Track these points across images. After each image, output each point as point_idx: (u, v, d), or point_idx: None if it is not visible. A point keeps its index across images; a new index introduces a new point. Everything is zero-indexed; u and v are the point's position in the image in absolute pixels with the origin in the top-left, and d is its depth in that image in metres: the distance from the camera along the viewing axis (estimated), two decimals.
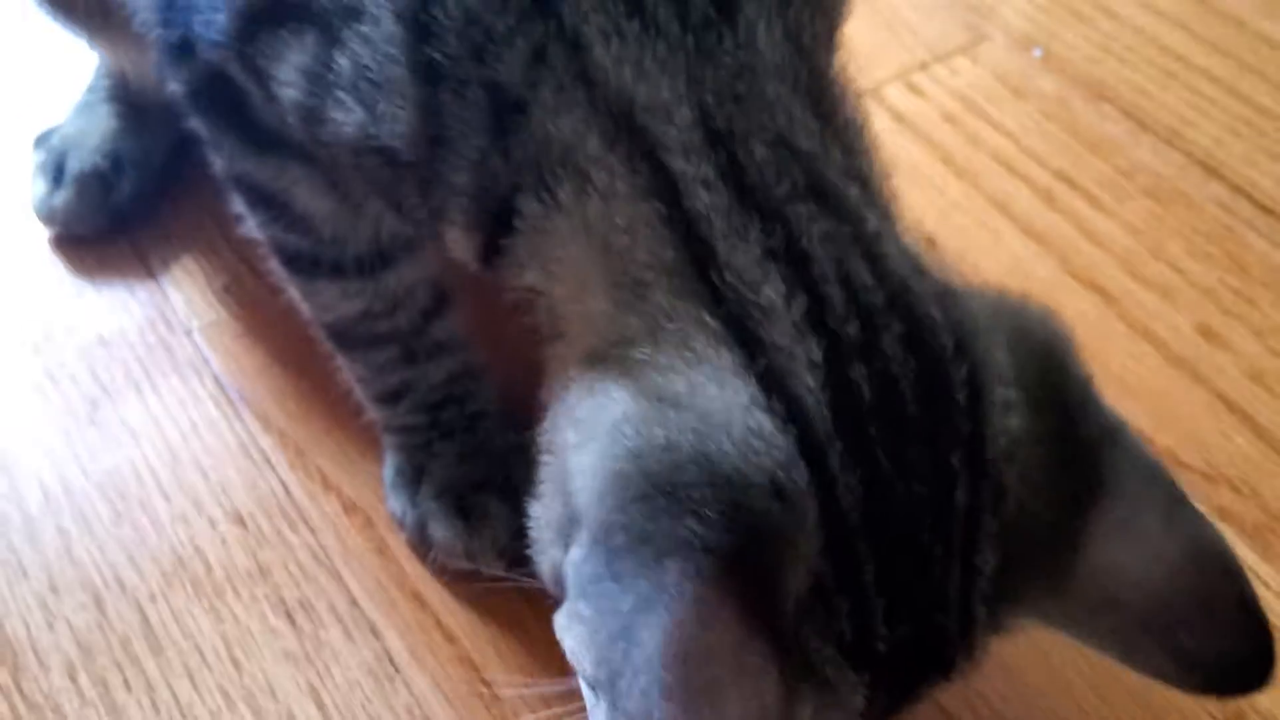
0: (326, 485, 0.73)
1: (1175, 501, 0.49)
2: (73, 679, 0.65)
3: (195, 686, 0.65)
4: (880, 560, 0.46)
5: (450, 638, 0.67)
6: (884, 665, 0.46)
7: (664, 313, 0.48)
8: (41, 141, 0.86)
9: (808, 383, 0.46)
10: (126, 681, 0.65)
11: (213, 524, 0.71)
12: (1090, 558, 0.48)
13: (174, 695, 0.65)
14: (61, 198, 0.83)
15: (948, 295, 0.50)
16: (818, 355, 0.46)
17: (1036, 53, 0.98)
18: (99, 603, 0.68)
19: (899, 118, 0.93)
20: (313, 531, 0.71)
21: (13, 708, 0.64)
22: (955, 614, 0.48)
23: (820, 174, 0.50)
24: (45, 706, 0.64)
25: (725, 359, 0.46)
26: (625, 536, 0.43)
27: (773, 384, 0.46)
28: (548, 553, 0.50)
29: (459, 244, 0.54)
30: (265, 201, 0.62)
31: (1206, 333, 0.81)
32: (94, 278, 0.83)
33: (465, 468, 0.69)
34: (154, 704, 0.64)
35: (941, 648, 0.48)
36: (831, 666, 0.45)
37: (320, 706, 0.64)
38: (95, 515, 0.71)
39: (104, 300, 0.82)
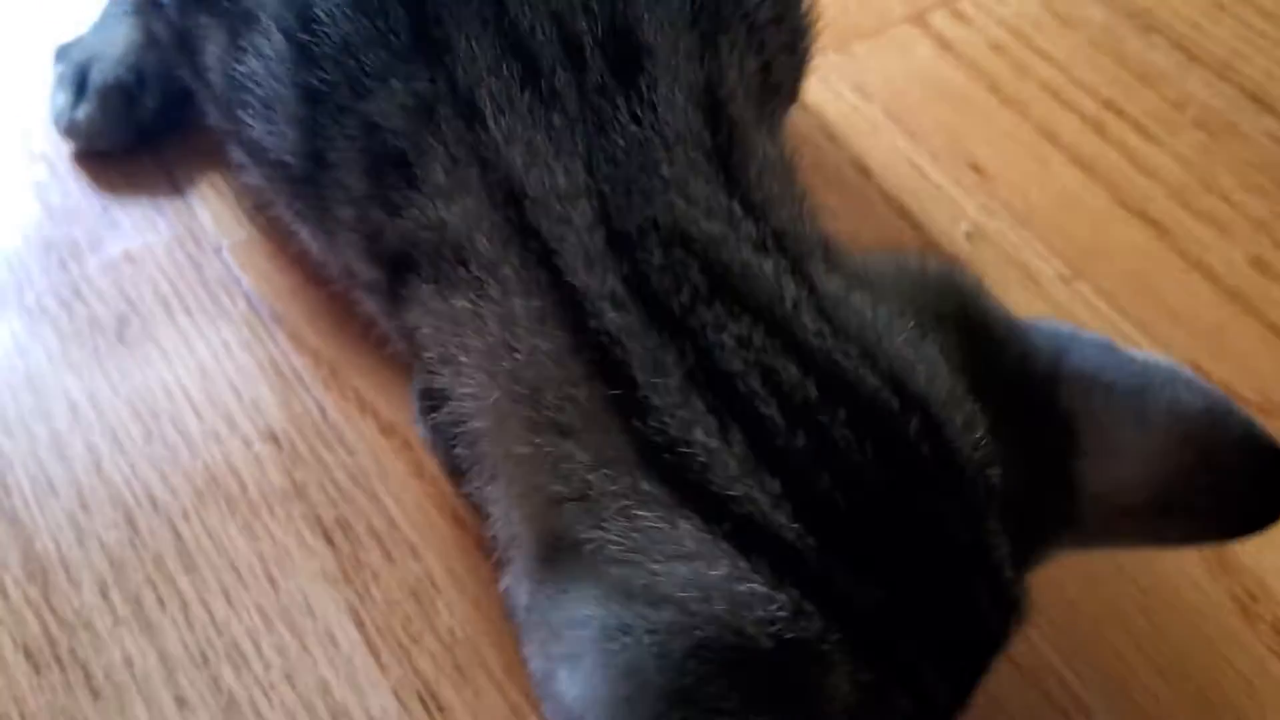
0: (362, 406, 0.71)
1: (1140, 391, 0.47)
2: (104, 596, 0.64)
3: (231, 604, 0.63)
4: (920, 640, 0.44)
5: (491, 559, 0.65)
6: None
7: (594, 481, 0.43)
8: (63, 54, 0.84)
9: (778, 522, 0.42)
10: (160, 599, 0.63)
11: (246, 443, 0.69)
12: (1086, 491, 0.48)
13: (209, 613, 0.63)
14: (84, 111, 0.81)
15: (869, 331, 0.46)
16: (776, 488, 0.42)
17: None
18: (130, 520, 0.66)
19: (945, 45, 0.90)
20: (349, 452, 0.69)
21: (44, 624, 0.63)
22: (992, 618, 0.48)
23: (725, 265, 0.45)
24: (77, 623, 0.63)
25: (683, 530, 0.42)
26: None
27: (745, 541, 0.42)
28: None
29: (363, 274, 0.52)
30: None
31: (1260, 265, 0.79)
32: (119, 194, 0.81)
33: None
34: (189, 621, 0.63)
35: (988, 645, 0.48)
36: None
37: (360, 626, 0.63)
38: (125, 433, 0.70)
39: (130, 217, 0.79)
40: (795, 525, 0.42)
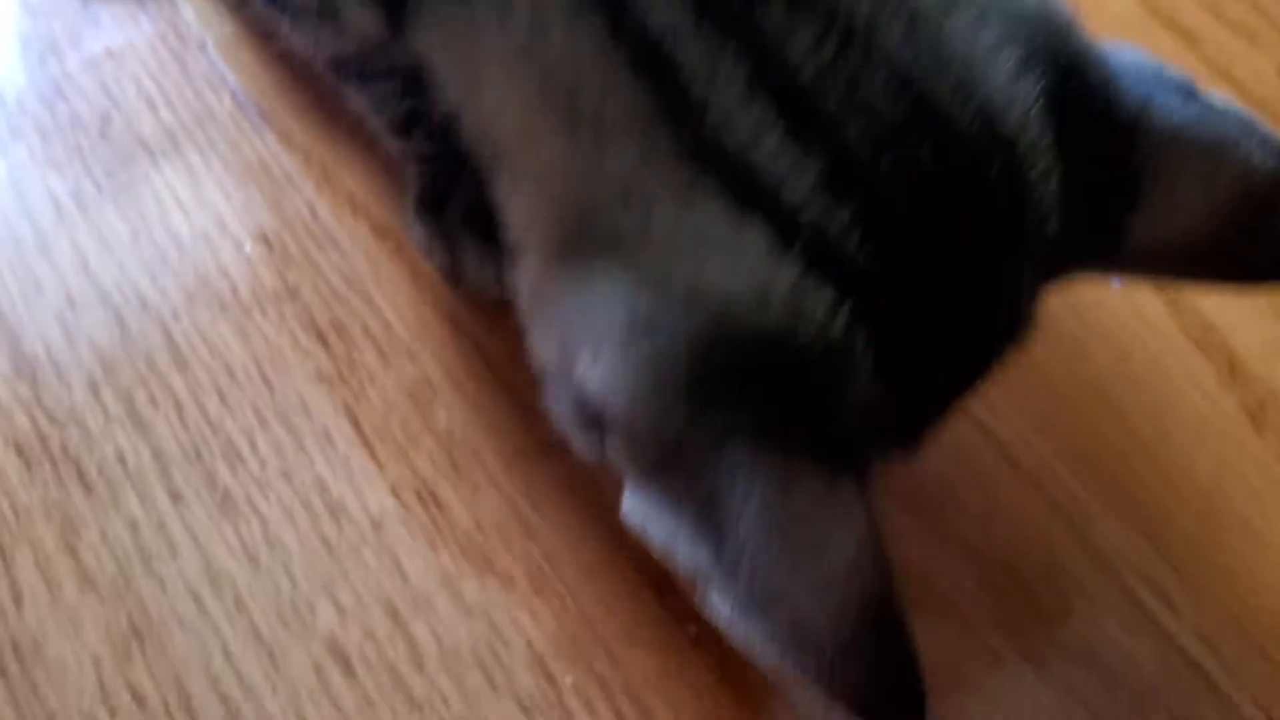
0: (355, 208, 0.69)
1: (1215, 149, 0.45)
2: (95, 394, 0.63)
3: (226, 404, 0.62)
4: (940, 362, 0.43)
5: (489, 362, 0.64)
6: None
7: (642, 179, 0.41)
8: None
9: (846, 242, 0.40)
10: (153, 397, 0.62)
11: (237, 244, 0.67)
12: (1135, 236, 0.46)
13: (203, 412, 0.62)
14: None
15: (966, 60, 0.42)
16: (848, 211, 0.40)
17: None
18: (120, 320, 0.65)
19: None
20: (342, 254, 0.67)
21: (34, 422, 0.62)
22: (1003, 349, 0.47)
23: None
24: (68, 421, 0.62)
25: (746, 233, 0.40)
26: (674, 441, 0.40)
27: (810, 254, 0.40)
28: (577, 433, 0.46)
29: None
30: None
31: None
32: None
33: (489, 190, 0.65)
34: (183, 420, 0.62)
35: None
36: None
37: (357, 426, 0.62)
38: (112, 232, 0.68)
39: (111, 13, 0.76)
40: (863, 246, 0.40)
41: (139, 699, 0.55)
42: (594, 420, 0.43)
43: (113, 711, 0.55)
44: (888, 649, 0.41)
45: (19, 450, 0.61)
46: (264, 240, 0.67)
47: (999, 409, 0.64)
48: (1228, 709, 0.56)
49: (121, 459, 0.61)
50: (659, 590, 0.58)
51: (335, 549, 0.59)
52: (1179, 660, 0.57)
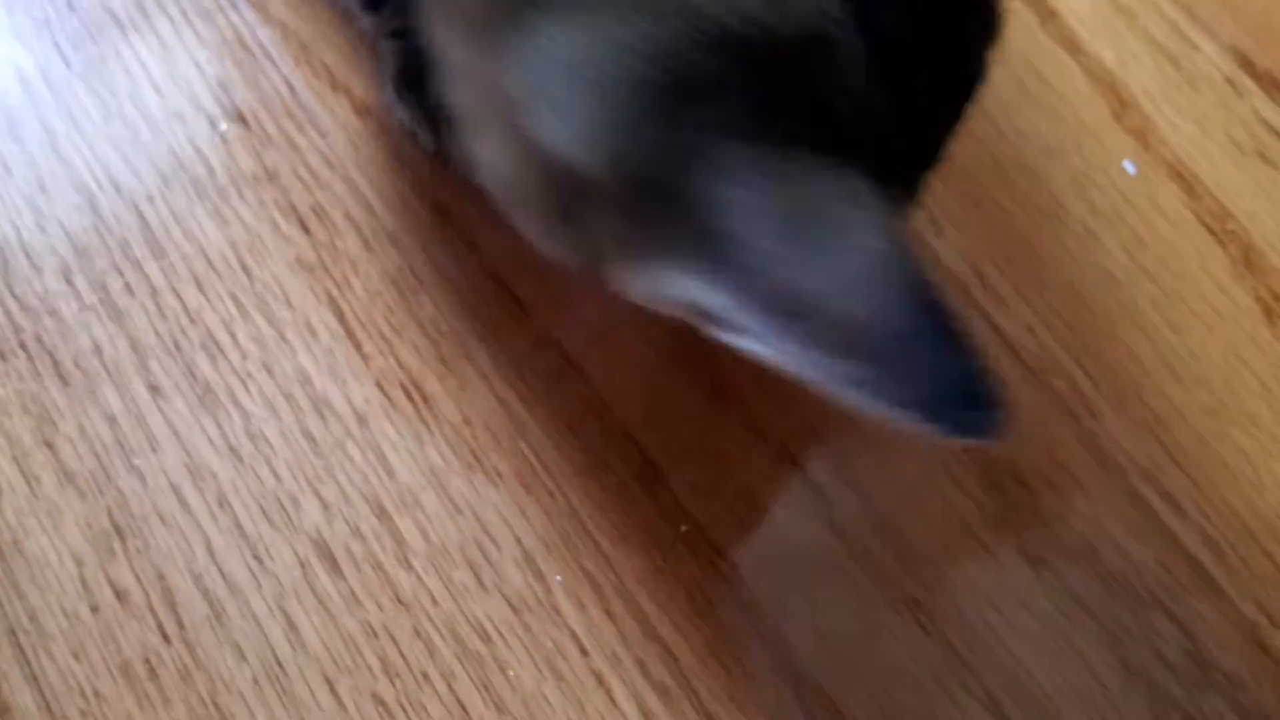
0: (335, 85, 0.65)
1: None
2: (69, 282, 0.60)
3: (203, 292, 0.60)
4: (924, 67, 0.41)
5: (477, 251, 0.62)
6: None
7: None
8: None
9: None
10: (128, 285, 0.60)
11: (212, 123, 0.64)
12: None
13: (181, 300, 0.60)
14: None
15: None
16: None
17: None
18: (93, 204, 0.62)
19: None
20: (322, 135, 0.64)
21: (6, 311, 0.60)
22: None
23: None
24: (41, 309, 0.60)
25: None
26: (658, 168, 0.37)
27: None
28: (554, 235, 0.44)
29: None
30: None
31: None
32: None
33: None
34: (159, 308, 0.60)
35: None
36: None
37: (340, 317, 0.60)
38: (82, 110, 0.64)
39: None
40: None
41: (121, 596, 0.54)
42: (572, 205, 0.41)
43: (95, 609, 0.54)
44: (945, 336, 0.37)
45: None
46: (240, 119, 0.64)
47: (1005, 300, 0.62)
48: (1228, 610, 0.56)
49: (98, 350, 0.59)
50: (651, 488, 0.57)
51: (320, 444, 0.57)
52: (1181, 561, 0.56)
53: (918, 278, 0.37)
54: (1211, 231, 0.64)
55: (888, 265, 0.37)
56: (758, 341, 0.38)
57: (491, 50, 0.42)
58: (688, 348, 0.60)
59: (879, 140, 0.40)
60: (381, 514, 0.56)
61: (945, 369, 0.37)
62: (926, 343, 0.36)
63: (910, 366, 0.36)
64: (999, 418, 0.36)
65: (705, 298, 0.38)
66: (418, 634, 0.54)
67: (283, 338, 0.59)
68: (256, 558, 0.55)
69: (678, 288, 0.39)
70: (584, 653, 0.53)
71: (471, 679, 0.53)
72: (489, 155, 0.46)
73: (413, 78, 0.62)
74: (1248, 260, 0.63)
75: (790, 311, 0.37)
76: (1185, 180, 0.65)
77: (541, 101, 0.39)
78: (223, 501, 0.56)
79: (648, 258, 0.39)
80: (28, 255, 0.61)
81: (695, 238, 0.38)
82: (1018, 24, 0.68)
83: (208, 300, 0.60)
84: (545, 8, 0.39)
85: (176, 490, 0.56)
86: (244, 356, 0.59)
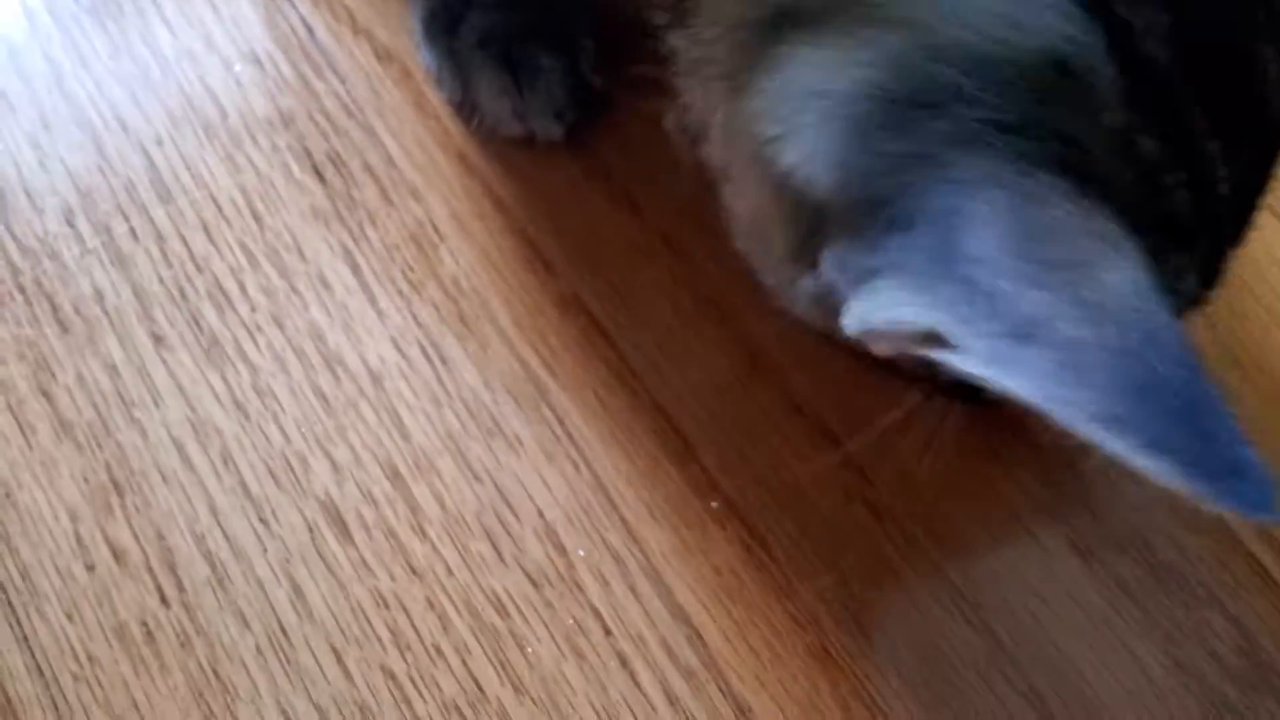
0: (355, 28, 0.62)
1: None
2: (71, 224, 0.57)
3: (211, 239, 0.57)
4: (1206, 105, 0.37)
5: (501, 207, 0.59)
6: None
7: None
8: None
9: None
10: (133, 230, 0.57)
11: (225, 64, 0.61)
12: None
13: (188, 247, 0.57)
14: None
15: None
16: None
17: None
18: (98, 143, 0.59)
19: None
20: (341, 80, 0.61)
21: (3, 250, 0.57)
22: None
23: None
24: (41, 252, 0.57)
25: None
26: (900, 169, 0.36)
27: None
28: (797, 287, 0.42)
29: None
30: None
31: None
32: None
33: (511, 13, 0.58)
34: (164, 255, 0.57)
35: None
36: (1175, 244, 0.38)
37: (355, 270, 0.57)
38: (89, 45, 0.61)
39: None
40: None
41: (119, 555, 0.51)
42: (808, 239, 0.39)
43: (90, 567, 0.51)
44: (1196, 393, 0.33)
45: None
46: (255, 61, 0.61)
47: None
48: None
49: (99, 296, 0.56)
50: (681, 461, 0.54)
51: (331, 402, 0.54)
52: (1237, 556, 0.53)
53: (1165, 329, 0.34)
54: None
55: (1129, 306, 0.34)
56: (987, 365, 0.35)
57: (743, 97, 0.40)
58: (722, 314, 0.57)
59: (1148, 193, 0.37)
60: (395, 478, 0.53)
61: (1219, 427, 0.33)
62: (1168, 404, 0.33)
63: (1143, 424, 0.33)
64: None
65: (933, 317, 0.35)
66: (431, 605, 0.51)
67: (294, 290, 0.56)
68: (262, 520, 0.52)
69: (907, 310, 0.36)
70: (607, 632, 0.50)
71: (487, 655, 0.50)
72: (743, 208, 0.44)
73: (448, 21, 0.59)
74: None
75: (1017, 331, 0.33)
76: None
77: (783, 130, 0.38)
78: (227, 459, 0.53)
79: (877, 279, 0.36)
80: (28, 195, 0.58)
81: (927, 254, 0.35)
82: None
83: (216, 248, 0.57)
84: (787, 40, 0.39)
85: (179, 446, 0.53)
86: (253, 308, 0.56)
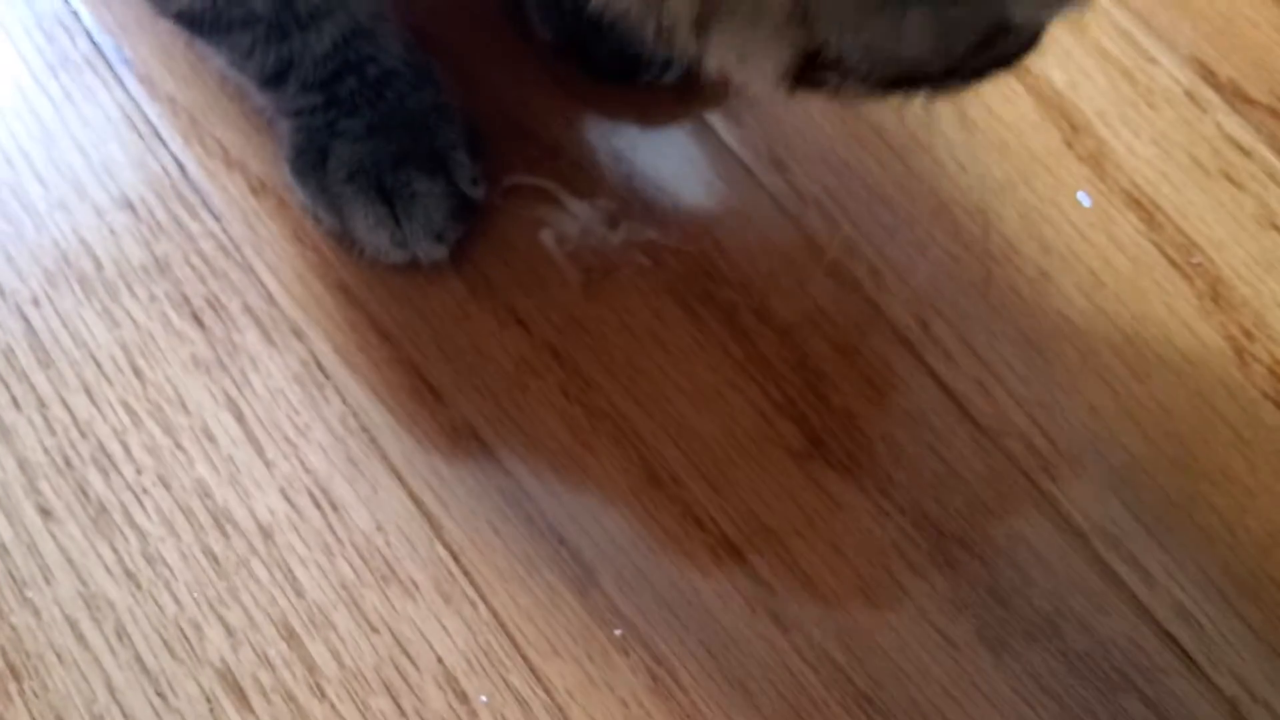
0: (228, 161, 0.61)
1: None
2: None
3: (94, 401, 0.56)
4: None
5: (386, 336, 0.58)
6: None
7: None
8: None
9: None
10: (14, 399, 0.56)
11: (98, 211, 0.60)
12: None
13: (70, 412, 0.56)
14: None
15: None
16: None
17: None
18: None
19: None
20: (216, 217, 0.60)
21: None
22: None
23: None
24: None
25: None
26: None
27: None
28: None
29: None
30: None
31: None
32: None
33: (378, 141, 0.57)
34: (47, 423, 0.56)
35: None
36: None
37: (240, 419, 0.56)
38: None
39: None
40: None
41: None
42: None
43: None
44: None
45: None
46: (128, 206, 0.60)
47: (953, 355, 0.58)
48: (1206, 688, 0.52)
49: None
50: (580, 589, 0.53)
51: (222, 563, 0.53)
52: (1153, 635, 0.52)
53: None
54: (1175, 265, 0.60)
55: None
56: None
57: None
58: (617, 428, 0.56)
59: None
60: (291, 637, 0.52)
61: None
62: None
63: None
64: None
65: None
66: None
67: (179, 446, 0.55)
68: (159, 694, 0.51)
69: None
70: None
71: None
72: None
73: (315, 158, 0.58)
74: (1215, 294, 0.59)
75: None
76: (1145, 209, 0.61)
77: None
78: (121, 633, 0.52)
79: None
80: None
81: None
82: None
83: (98, 410, 0.56)
84: None
85: (73, 624, 0.52)
86: (138, 470, 0.55)
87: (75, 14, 0.64)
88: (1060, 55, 0.64)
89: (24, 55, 0.64)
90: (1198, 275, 0.59)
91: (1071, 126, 0.62)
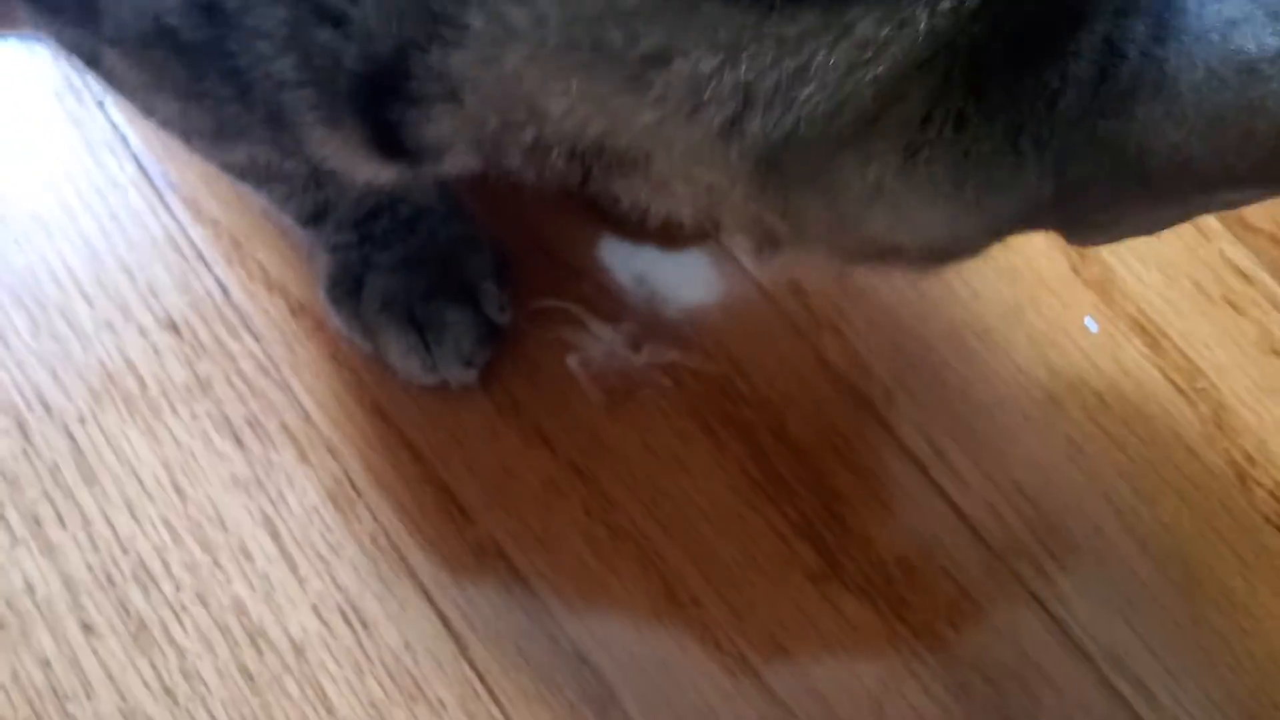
0: (269, 284, 0.64)
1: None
2: (1, 515, 0.59)
3: (136, 518, 0.59)
4: None
5: (417, 455, 0.60)
6: None
7: None
8: None
9: None
10: (59, 516, 0.59)
11: (143, 332, 0.63)
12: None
13: (113, 529, 0.58)
14: None
15: None
16: None
17: None
18: (23, 428, 0.61)
19: None
20: (256, 338, 0.63)
21: None
22: None
23: None
24: None
25: None
26: None
27: None
28: None
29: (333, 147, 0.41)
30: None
31: None
32: None
33: (410, 274, 0.60)
34: (91, 540, 0.58)
35: None
36: None
37: (275, 537, 0.58)
38: (10, 327, 0.63)
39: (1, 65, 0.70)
40: None
41: None
42: None
43: None
44: None
45: None
46: (172, 326, 0.63)
47: (965, 478, 0.59)
48: None
49: (30, 588, 0.57)
50: (602, 709, 0.55)
51: (256, 680, 0.55)
52: None
53: None
54: (1180, 390, 0.62)
55: None
56: None
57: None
58: (638, 547, 0.58)
59: None
60: None
61: None
62: None
63: None
64: None
65: None
66: None
67: (216, 564, 0.58)
68: None
69: None
70: None
71: None
72: None
73: (350, 287, 0.60)
74: (1219, 419, 0.61)
75: None
76: (1150, 334, 0.63)
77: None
78: None
79: None
80: None
81: None
82: None
83: (140, 527, 0.58)
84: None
85: None
86: (178, 587, 0.57)
87: (123, 138, 0.68)
88: None
89: (73, 177, 0.67)
90: (1201, 400, 0.61)
91: (1079, 253, 0.65)
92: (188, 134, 0.50)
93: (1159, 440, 0.60)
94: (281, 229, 0.64)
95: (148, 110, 0.48)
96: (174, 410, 0.61)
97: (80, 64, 0.47)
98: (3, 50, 0.70)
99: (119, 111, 0.68)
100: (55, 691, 0.55)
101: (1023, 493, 0.59)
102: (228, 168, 0.55)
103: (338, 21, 0.37)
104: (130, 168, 0.67)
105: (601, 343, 0.63)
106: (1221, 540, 0.58)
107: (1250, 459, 0.60)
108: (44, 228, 0.65)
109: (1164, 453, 0.60)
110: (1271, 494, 0.59)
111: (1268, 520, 0.59)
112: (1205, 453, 0.60)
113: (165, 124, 0.49)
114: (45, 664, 0.56)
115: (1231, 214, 0.66)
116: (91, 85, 0.69)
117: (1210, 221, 0.66)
